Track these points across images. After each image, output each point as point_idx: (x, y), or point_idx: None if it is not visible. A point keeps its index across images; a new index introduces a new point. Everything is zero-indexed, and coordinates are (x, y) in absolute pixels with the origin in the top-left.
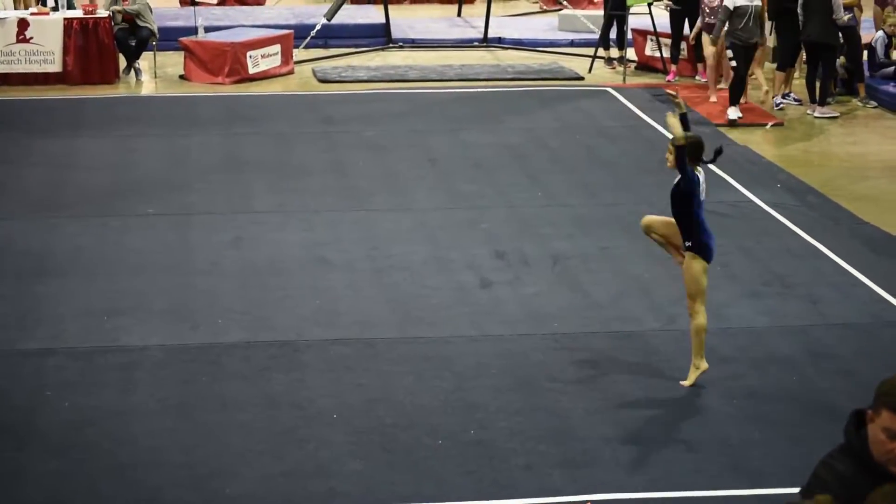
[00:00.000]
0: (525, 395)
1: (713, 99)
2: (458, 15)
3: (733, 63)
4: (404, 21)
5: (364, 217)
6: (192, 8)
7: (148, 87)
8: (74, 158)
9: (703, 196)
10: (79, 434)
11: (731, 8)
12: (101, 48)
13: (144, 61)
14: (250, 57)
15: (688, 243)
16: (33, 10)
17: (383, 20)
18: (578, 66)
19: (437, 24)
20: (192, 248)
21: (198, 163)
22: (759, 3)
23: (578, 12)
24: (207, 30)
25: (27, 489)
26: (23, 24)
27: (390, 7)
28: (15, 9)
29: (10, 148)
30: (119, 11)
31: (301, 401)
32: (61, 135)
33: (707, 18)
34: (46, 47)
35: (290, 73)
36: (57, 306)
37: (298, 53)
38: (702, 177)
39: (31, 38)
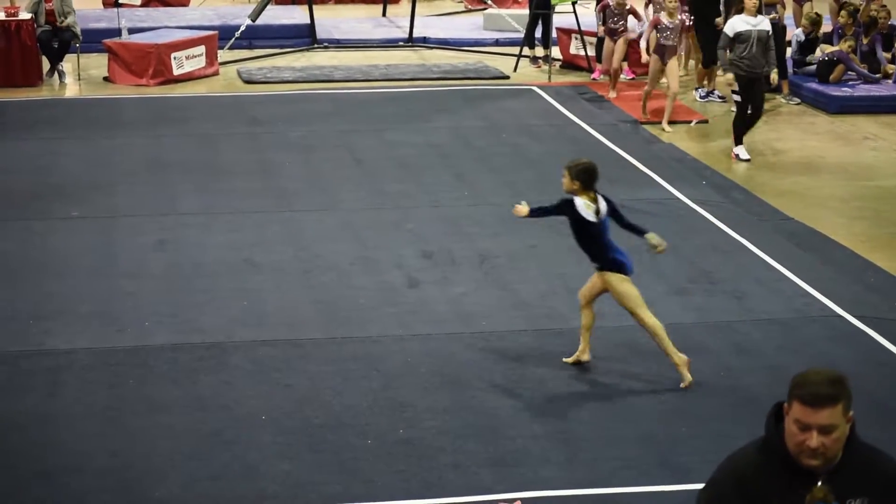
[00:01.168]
0: (453, 393)
1: (613, 94)
2: (384, 15)
3: (737, 97)
4: (329, 21)
5: (290, 218)
6: (115, 9)
7: (72, 90)
8: None
9: (596, 218)
10: (4, 439)
11: (731, 34)
12: (23, 50)
13: (68, 63)
14: (175, 58)
15: (596, 265)
16: None
17: (308, 20)
18: (503, 65)
19: (363, 24)
20: (117, 251)
21: (122, 165)
22: (766, 28)
23: (503, 11)
24: (131, 31)
25: None
26: None
27: (315, 7)
28: None
29: None
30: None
31: (229, 403)
32: None
33: (609, 22)
34: None
35: (215, 74)
36: None
37: (223, 54)
38: (597, 205)
39: None
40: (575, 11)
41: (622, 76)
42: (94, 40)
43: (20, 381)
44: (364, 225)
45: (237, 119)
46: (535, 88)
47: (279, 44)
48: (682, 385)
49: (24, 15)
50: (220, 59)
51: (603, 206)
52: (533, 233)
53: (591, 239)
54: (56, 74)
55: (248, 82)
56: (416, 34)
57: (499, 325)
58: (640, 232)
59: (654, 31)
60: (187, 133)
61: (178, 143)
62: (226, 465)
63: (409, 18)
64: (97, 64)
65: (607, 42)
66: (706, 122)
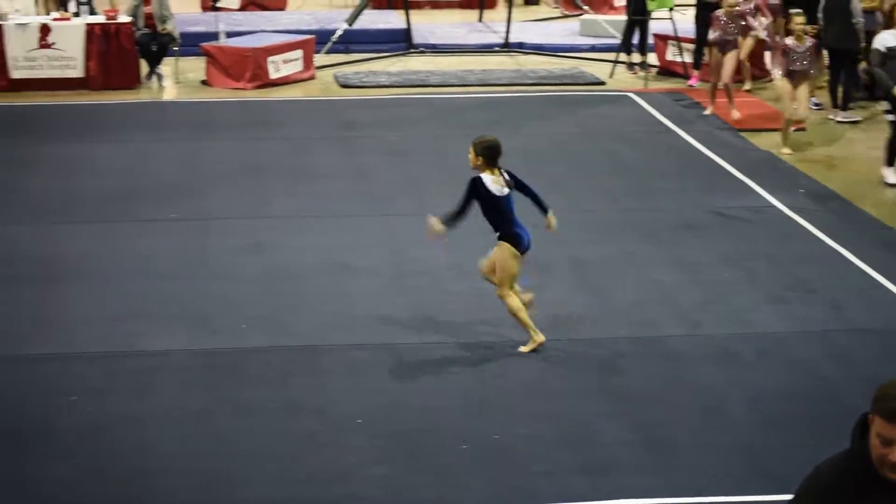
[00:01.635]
0: (546, 400)
1: (708, 111)
2: (480, 20)
3: (890, 117)
4: (425, 26)
5: (384, 222)
6: (213, 13)
7: (169, 93)
8: (94, 163)
9: (504, 191)
10: (98, 439)
11: (884, 49)
12: (122, 53)
13: (166, 66)
14: (271, 62)
15: (497, 233)
16: (55, 15)
17: (404, 25)
18: (599, 70)
19: (458, 28)
20: (211, 253)
21: (218, 168)
22: None
23: (599, 17)
24: (229, 35)
25: (40, 495)
26: (45, 30)
27: (411, 12)
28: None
29: (31, 153)
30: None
31: (322, 406)
32: (82, 140)
33: (719, 32)
34: (68, 52)
35: (312, 78)
36: (74, 311)
37: (319, 58)
38: (503, 177)
39: (53, 43)
40: (672, 17)
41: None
42: (192, 44)
43: (114, 383)
44: (458, 230)
45: (332, 123)
46: (630, 95)
47: (375, 48)
48: (520, 348)
49: (124, 18)
50: (316, 64)
51: (507, 180)
52: (627, 240)
53: (498, 212)
54: (154, 77)
55: (344, 86)
56: (511, 39)
57: (593, 332)
58: (543, 209)
59: (783, 56)
60: (283, 137)
61: (274, 146)
62: (319, 467)
63: (505, 23)
64: (195, 67)
65: (715, 54)
66: (804, 129)
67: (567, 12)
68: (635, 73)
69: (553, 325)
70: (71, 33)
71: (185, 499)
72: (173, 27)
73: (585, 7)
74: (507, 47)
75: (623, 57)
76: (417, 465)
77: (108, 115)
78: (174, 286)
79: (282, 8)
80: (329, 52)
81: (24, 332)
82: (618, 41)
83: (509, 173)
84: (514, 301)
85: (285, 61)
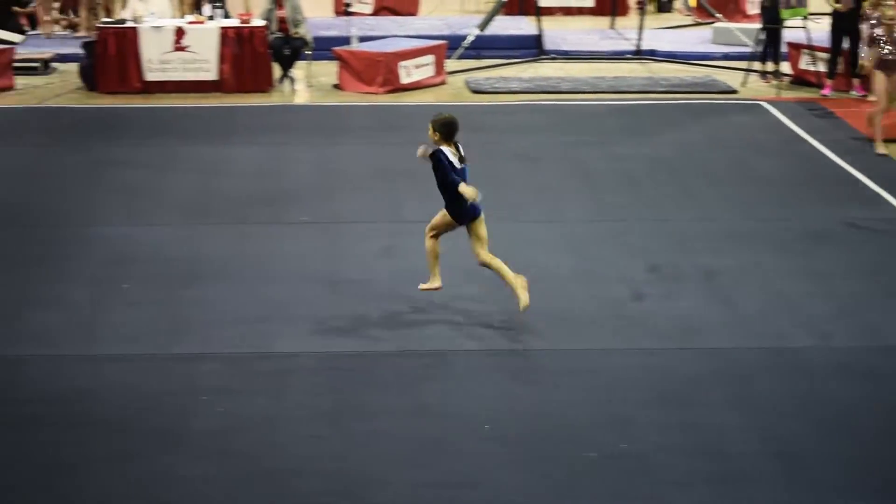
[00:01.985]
0: (676, 409)
1: (881, 151)
2: (611, 27)
3: None
4: (557, 33)
5: (514, 228)
6: (346, 18)
7: (302, 96)
8: (227, 166)
9: (460, 165)
10: (232, 439)
11: None
12: (255, 57)
13: (299, 70)
14: (403, 67)
15: (446, 206)
16: (190, 18)
17: (536, 31)
18: (732, 79)
19: (590, 35)
20: (342, 257)
21: (349, 172)
22: None
23: (732, 25)
24: (361, 39)
25: (177, 493)
26: (179, 33)
27: (543, 18)
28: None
29: (165, 155)
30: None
31: (452, 410)
32: (215, 142)
33: (883, 50)
34: (202, 55)
35: (443, 83)
36: (209, 312)
37: (451, 64)
38: (459, 152)
39: (188, 46)
40: (806, 26)
41: (852, 93)
42: (324, 48)
43: (246, 384)
44: (588, 237)
45: (463, 129)
46: (763, 104)
47: (506, 54)
48: (420, 286)
49: (257, 22)
50: (447, 69)
51: (462, 155)
52: (758, 250)
53: (445, 185)
54: (287, 81)
55: (475, 92)
56: (643, 47)
57: (722, 342)
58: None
59: (872, 47)
60: (414, 141)
61: (405, 151)
62: (448, 472)
63: (637, 31)
64: (327, 71)
65: (879, 76)
66: None
67: (699, 20)
68: (768, 82)
69: (683, 335)
70: (205, 36)
71: (317, 501)
72: (306, 31)
73: (718, 15)
74: (639, 54)
75: (756, 65)
76: (546, 472)
77: (240, 118)
78: (306, 289)
79: (414, 13)
80: (460, 57)
81: (161, 332)
82: (750, 49)
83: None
84: (432, 245)
85: (417, 66)
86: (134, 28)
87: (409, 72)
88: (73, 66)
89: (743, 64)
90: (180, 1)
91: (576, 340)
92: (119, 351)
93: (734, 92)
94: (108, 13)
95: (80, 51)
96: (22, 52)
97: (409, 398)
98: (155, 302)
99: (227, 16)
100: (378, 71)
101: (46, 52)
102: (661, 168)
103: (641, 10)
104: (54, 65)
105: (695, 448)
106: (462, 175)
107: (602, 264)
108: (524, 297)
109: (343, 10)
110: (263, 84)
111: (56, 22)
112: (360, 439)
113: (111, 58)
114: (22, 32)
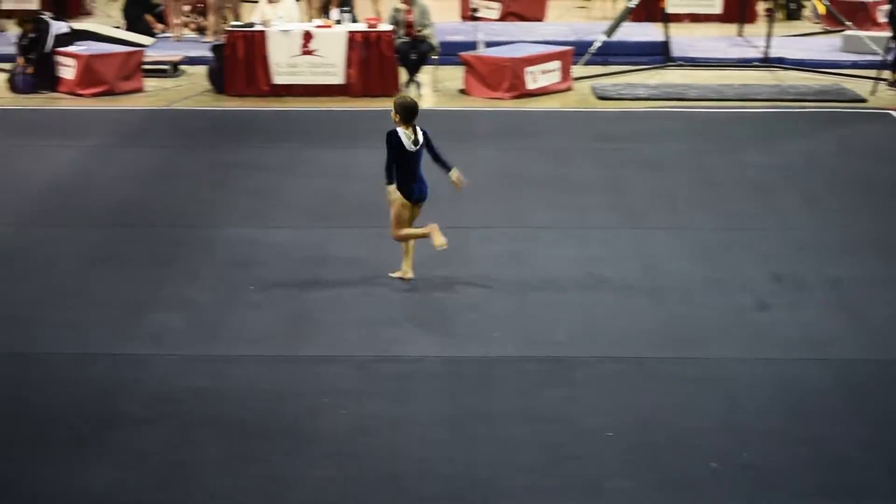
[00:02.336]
0: (799, 421)
1: None
2: (739, 34)
3: None
4: (684, 39)
5: (639, 235)
6: (473, 23)
7: (428, 101)
8: (352, 169)
9: (414, 147)
10: (355, 442)
11: None
12: (382, 61)
13: (425, 74)
14: (529, 73)
15: (395, 181)
16: (318, 22)
17: (663, 38)
18: (861, 88)
19: (717, 42)
20: (468, 261)
21: (474, 177)
22: None
23: (862, 33)
24: (488, 45)
25: (297, 495)
26: (307, 37)
27: (670, 25)
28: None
29: (292, 158)
30: (402, 26)
31: (573, 417)
32: (341, 146)
33: None
34: (329, 59)
35: (569, 89)
36: (334, 314)
37: (577, 70)
38: (416, 136)
39: (315, 50)
40: None
41: None
42: (450, 53)
43: (370, 386)
44: (713, 245)
45: (589, 135)
46: (892, 113)
47: (633, 60)
48: (393, 274)
49: (384, 26)
50: (574, 75)
51: (420, 138)
52: (886, 260)
53: (404, 163)
54: (413, 85)
55: (601, 98)
56: (771, 54)
57: (847, 353)
58: (446, 167)
59: None
60: (538, 147)
61: (530, 156)
62: (569, 479)
63: (765, 38)
64: (453, 76)
65: None
66: None
67: (829, 28)
68: None
69: (807, 345)
70: (332, 41)
71: None
72: (432, 34)
73: (848, 23)
74: (767, 62)
75: (885, 74)
76: (666, 481)
77: (366, 122)
78: (429, 292)
79: (540, 19)
80: (587, 63)
81: (285, 334)
82: (880, 58)
83: (425, 135)
84: (403, 234)
85: (543, 72)
86: (262, 32)
87: (536, 77)
88: (202, 69)
89: (872, 73)
90: (309, 5)
91: (697, 349)
92: (242, 352)
93: (863, 101)
94: (237, 17)
95: (208, 54)
96: (151, 55)
97: (529, 404)
98: (279, 304)
99: (354, 20)
100: (504, 76)
101: (175, 54)
102: (787, 177)
103: (770, 18)
104: (183, 67)
105: (817, 460)
106: (415, 157)
107: (726, 273)
108: (439, 239)
109: (470, 15)
110: (390, 88)
111: (185, 25)
112: (480, 444)
113: (239, 61)
114: (152, 35)
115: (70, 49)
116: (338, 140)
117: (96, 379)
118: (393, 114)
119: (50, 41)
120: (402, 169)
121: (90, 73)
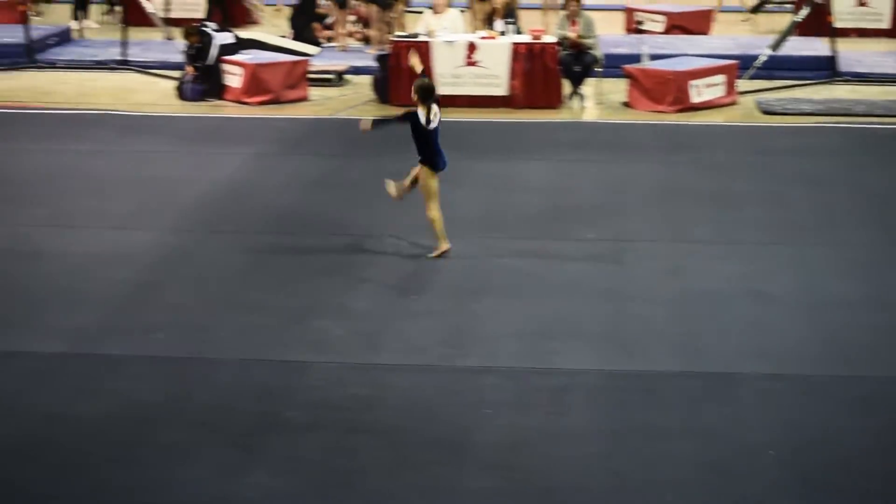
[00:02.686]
0: None
1: None
2: None
3: None
4: (851, 54)
5: (801, 252)
6: (637, 36)
7: (591, 113)
8: (515, 181)
9: (433, 125)
10: (513, 454)
11: None
12: (546, 73)
13: (588, 87)
14: (693, 86)
15: (420, 157)
16: (482, 34)
17: (830, 53)
18: None
19: (886, 58)
20: (628, 275)
21: (636, 190)
22: None
23: None
24: (652, 58)
25: None
26: (471, 48)
27: (837, 40)
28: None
29: (454, 168)
30: (567, 38)
31: (734, 434)
32: (504, 157)
33: None
34: (493, 71)
35: (733, 103)
36: (494, 326)
37: (742, 84)
38: (432, 113)
39: (479, 61)
40: None
41: None
42: (614, 65)
43: (529, 398)
44: (874, 261)
45: (753, 149)
46: None
47: (799, 75)
48: (432, 255)
49: (549, 38)
50: (738, 89)
51: (436, 117)
52: None
53: (424, 140)
54: (576, 97)
55: (766, 113)
56: None
57: None
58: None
59: None
60: (703, 162)
61: (692, 170)
62: (730, 497)
63: None
64: (617, 89)
65: None
66: None
67: None
68: None
69: None
70: (496, 52)
71: None
72: (596, 45)
73: None
74: None
75: None
76: (830, 501)
77: (529, 134)
78: (590, 305)
79: (705, 32)
80: (752, 77)
81: (445, 344)
82: None
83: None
84: (432, 214)
85: (707, 86)
86: (427, 42)
87: (700, 91)
88: (367, 79)
89: None
90: (473, 16)
91: (857, 367)
92: (401, 361)
93: None
94: (402, 27)
95: (373, 63)
96: (317, 64)
97: (689, 420)
98: (441, 314)
99: (518, 31)
100: (668, 89)
101: (340, 64)
102: None
103: None
104: (348, 77)
105: None
106: (433, 133)
107: (885, 290)
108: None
109: (634, 27)
110: (553, 100)
111: (350, 35)
112: (638, 460)
113: (404, 71)
114: (318, 45)
115: (236, 58)
116: (501, 151)
117: (257, 385)
118: (413, 94)
119: (213, 52)
120: (425, 144)
121: (256, 82)
